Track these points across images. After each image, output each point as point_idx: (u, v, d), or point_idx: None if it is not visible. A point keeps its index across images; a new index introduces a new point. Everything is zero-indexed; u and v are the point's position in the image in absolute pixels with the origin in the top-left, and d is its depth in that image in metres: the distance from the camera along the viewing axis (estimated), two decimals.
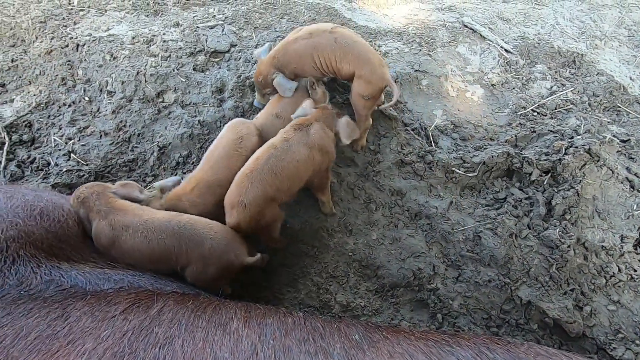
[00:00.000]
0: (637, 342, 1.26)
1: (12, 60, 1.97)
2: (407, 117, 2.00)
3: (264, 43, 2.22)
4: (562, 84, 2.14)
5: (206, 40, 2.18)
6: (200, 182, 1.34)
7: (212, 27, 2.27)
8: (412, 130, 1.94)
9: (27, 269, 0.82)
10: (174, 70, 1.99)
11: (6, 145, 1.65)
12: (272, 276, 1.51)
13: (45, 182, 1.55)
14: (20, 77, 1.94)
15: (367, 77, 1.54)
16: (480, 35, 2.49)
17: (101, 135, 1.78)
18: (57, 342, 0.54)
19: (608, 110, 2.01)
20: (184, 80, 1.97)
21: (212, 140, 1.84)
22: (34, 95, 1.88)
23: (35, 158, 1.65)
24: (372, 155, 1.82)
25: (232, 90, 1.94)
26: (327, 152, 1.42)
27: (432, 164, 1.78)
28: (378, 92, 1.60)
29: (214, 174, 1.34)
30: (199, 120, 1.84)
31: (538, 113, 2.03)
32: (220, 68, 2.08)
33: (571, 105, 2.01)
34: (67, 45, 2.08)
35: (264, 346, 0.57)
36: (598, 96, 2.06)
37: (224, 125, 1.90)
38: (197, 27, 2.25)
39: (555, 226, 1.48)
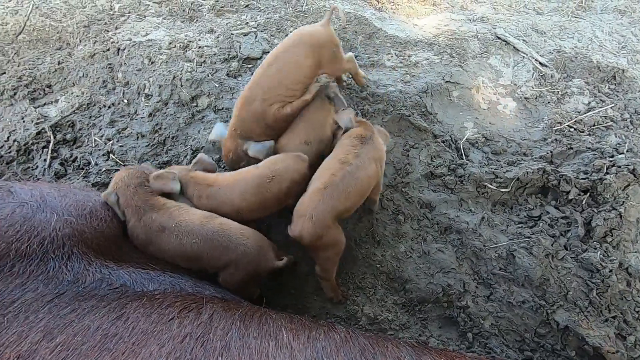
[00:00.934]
0: None
1: (59, 63, 2.07)
2: (438, 129, 1.97)
3: None
4: (601, 100, 2.07)
5: (240, 47, 2.23)
6: (215, 185, 1.33)
7: (245, 34, 2.32)
8: (443, 142, 1.92)
9: (80, 266, 0.86)
10: (208, 76, 2.05)
11: (51, 143, 1.73)
12: (299, 283, 1.51)
13: (86, 181, 1.62)
14: (65, 78, 2.03)
15: (326, 59, 1.52)
16: (514, 47, 2.45)
17: (138, 137, 1.84)
18: (123, 342, 0.55)
19: None
20: (217, 85, 2.02)
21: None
22: (77, 96, 1.97)
23: (77, 157, 1.72)
24: (401, 165, 1.81)
25: None
26: (383, 164, 1.42)
27: (463, 178, 1.75)
28: (338, 52, 1.58)
29: (224, 192, 1.31)
30: None
31: (575, 129, 1.97)
32: (252, 74, 2.12)
33: (611, 123, 1.94)
34: (108, 49, 2.17)
35: None
36: None
37: None
38: (231, 33, 2.31)
39: (595, 249, 1.43)
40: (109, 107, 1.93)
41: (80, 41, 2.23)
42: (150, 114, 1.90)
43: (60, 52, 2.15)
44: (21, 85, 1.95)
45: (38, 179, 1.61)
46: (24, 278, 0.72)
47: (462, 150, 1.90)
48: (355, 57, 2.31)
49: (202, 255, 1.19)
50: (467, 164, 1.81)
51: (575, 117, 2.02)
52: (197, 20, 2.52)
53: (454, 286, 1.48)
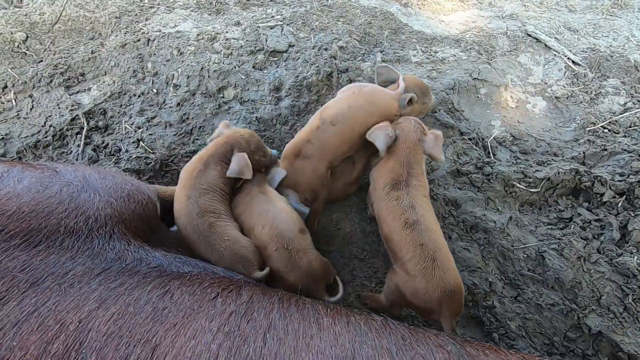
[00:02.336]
0: None
1: (92, 52, 2.13)
2: (464, 126, 1.94)
3: (321, 44, 2.26)
4: (638, 101, 1.98)
5: (266, 40, 2.24)
6: (267, 195, 1.26)
7: (271, 27, 2.33)
8: (469, 139, 1.88)
9: (121, 245, 0.88)
10: (235, 68, 2.07)
11: (84, 130, 1.79)
12: None
13: (117, 167, 1.66)
14: (97, 67, 2.09)
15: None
16: (545, 45, 2.38)
17: (166, 126, 1.88)
18: (172, 315, 0.57)
19: None
20: (244, 77, 2.04)
21: (268, 138, 1.89)
22: (109, 85, 2.03)
23: (108, 144, 1.77)
24: (426, 162, 1.78)
25: (289, 89, 1.98)
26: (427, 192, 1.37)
27: (490, 176, 1.71)
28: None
29: (266, 207, 1.23)
30: (256, 117, 1.89)
31: (609, 130, 1.90)
32: (278, 67, 2.13)
33: None
34: (138, 40, 2.22)
35: (364, 346, 0.57)
36: None
37: (279, 123, 1.96)
38: (258, 26, 2.33)
39: (631, 253, 1.37)
40: (139, 96, 1.98)
41: (112, 32, 2.29)
42: (178, 104, 1.94)
43: (93, 42, 2.22)
44: (57, 73, 2.01)
45: (72, 164, 1.66)
46: (73, 252, 0.75)
47: (490, 149, 1.86)
48: (381, 52, 2.29)
49: (197, 247, 1.16)
50: (494, 162, 1.77)
51: (610, 117, 1.95)
52: (223, 13, 2.54)
53: (480, 285, 1.45)
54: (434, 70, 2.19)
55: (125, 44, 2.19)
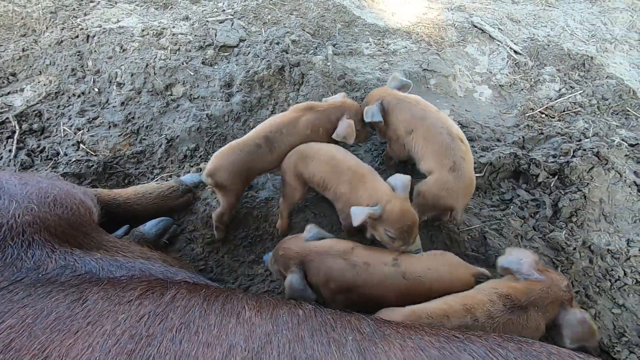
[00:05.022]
0: None
1: (23, 50, 1.98)
2: None
3: (273, 38, 2.23)
4: (571, 87, 2.13)
5: (215, 35, 2.18)
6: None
7: (221, 22, 2.27)
8: None
9: (42, 253, 0.84)
10: (183, 64, 2.00)
11: (16, 134, 1.67)
12: None
13: (55, 172, 1.57)
14: (30, 66, 1.95)
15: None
16: (490, 35, 2.49)
17: (110, 126, 1.79)
18: (77, 322, 0.55)
19: (617, 114, 2.01)
20: (192, 73, 1.98)
21: (220, 135, 1.85)
22: (44, 85, 1.89)
23: (44, 147, 1.66)
24: (378, 152, 1.83)
25: (240, 84, 1.95)
26: None
27: None
28: None
29: None
30: (207, 114, 1.85)
31: (546, 115, 2.03)
32: (229, 62, 2.08)
33: (580, 108, 2.01)
34: (77, 36, 2.09)
35: (278, 335, 0.57)
36: (607, 100, 2.05)
37: (231, 119, 1.92)
38: (207, 21, 2.26)
39: (561, 228, 1.48)
40: (79, 96, 1.87)
41: (46, 28, 2.13)
42: (122, 103, 1.85)
43: (25, 39, 2.06)
44: None
45: (3, 170, 1.54)
46: None
47: None
48: (334, 46, 2.30)
49: None
50: None
51: (547, 103, 2.08)
52: (171, 7, 2.45)
53: None
54: (385, 62, 2.23)
55: (62, 41, 2.05)
